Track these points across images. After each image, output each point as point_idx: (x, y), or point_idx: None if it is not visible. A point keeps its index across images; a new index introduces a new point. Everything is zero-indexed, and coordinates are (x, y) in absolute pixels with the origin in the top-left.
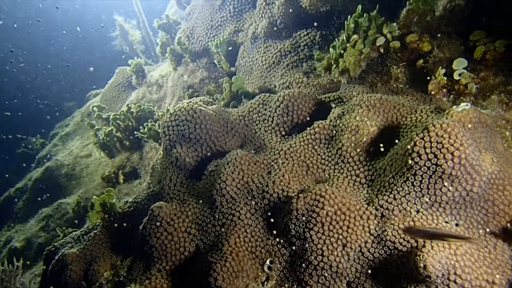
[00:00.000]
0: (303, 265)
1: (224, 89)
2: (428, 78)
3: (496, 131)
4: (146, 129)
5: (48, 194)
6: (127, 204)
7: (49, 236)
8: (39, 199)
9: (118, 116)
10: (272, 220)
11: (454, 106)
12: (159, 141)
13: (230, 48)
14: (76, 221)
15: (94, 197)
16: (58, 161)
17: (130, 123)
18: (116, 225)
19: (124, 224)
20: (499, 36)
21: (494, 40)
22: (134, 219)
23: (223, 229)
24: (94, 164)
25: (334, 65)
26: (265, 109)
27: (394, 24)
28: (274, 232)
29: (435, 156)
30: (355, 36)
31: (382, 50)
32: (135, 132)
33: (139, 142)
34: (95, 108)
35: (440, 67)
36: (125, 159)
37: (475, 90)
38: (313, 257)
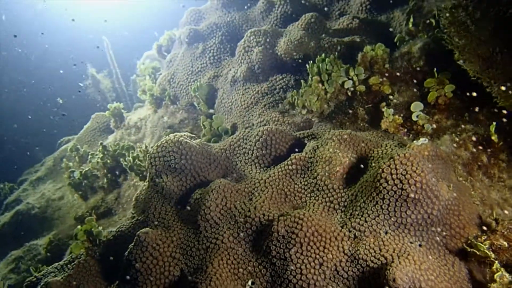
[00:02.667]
0: (283, 284)
1: (203, 127)
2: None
3: (450, 164)
4: (131, 157)
5: (18, 237)
6: (112, 233)
7: (20, 278)
8: (8, 242)
9: (96, 155)
10: (253, 242)
11: (415, 141)
12: (140, 175)
13: (208, 92)
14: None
15: (78, 227)
16: (29, 204)
17: (108, 161)
18: (100, 253)
19: (109, 252)
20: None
21: (445, 87)
22: (119, 246)
23: (207, 253)
24: (66, 206)
25: (297, 101)
26: (245, 143)
27: (361, 67)
28: (256, 253)
29: (401, 182)
30: (316, 78)
31: (349, 93)
32: (121, 159)
33: (117, 180)
34: (72, 149)
35: (387, 107)
36: (99, 199)
37: (430, 130)
38: (292, 276)
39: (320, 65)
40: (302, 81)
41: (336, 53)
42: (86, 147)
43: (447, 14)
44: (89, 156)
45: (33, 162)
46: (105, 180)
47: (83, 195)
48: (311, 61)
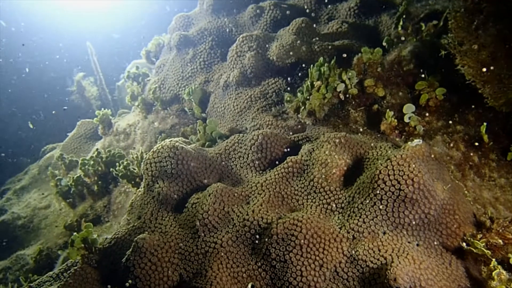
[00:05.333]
0: (284, 286)
1: (198, 131)
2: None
3: (443, 164)
4: (122, 167)
5: (3, 248)
6: (107, 240)
7: None
8: None
9: (87, 161)
10: (252, 245)
11: (409, 142)
12: (132, 181)
13: (202, 96)
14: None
15: (74, 234)
16: (15, 214)
17: (99, 168)
18: (97, 260)
19: (106, 259)
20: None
21: (435, 90)
22: (116, 253)
23: (206, 257)
24: (53, 215)
25: (302, 107)
26: (240, 147)
27: (353, 71)
28: (255, 256)
29: (398, 182)
30: (318, 82)
31: (342, 97)
32: (111, 169)
33: (107, 187)
34: (59, 156)
35: (388, 110)
36: (88, 207)
37: (422, 132)
38: (292, 278)
39: (321, 69)
40: (303, 85)
41: (335, 57)
42: (73, 155)
43: (457, 17)
44: (80, 163)
45: (16, 171)
46: (95, 187)
47: (71, 203)
48: (312, 66)
